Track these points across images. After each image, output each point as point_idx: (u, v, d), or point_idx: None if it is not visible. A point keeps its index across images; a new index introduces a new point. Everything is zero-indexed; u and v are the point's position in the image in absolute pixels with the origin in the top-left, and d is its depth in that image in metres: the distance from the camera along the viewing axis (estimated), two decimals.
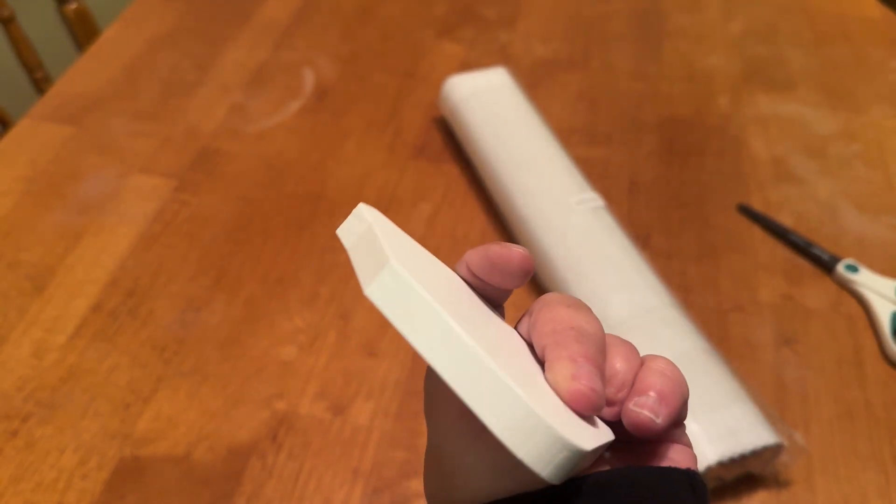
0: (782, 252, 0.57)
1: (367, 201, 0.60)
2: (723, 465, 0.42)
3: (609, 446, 0.21)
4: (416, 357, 0.49)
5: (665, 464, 0.23)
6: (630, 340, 0.47)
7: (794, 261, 0.56)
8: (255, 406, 0.47)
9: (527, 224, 0.54)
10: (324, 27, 0.79)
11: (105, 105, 0.69)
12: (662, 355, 0.24)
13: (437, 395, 0.24)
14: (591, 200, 0.54)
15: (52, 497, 0.43)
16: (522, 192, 0.55)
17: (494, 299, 0.25)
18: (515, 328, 0.25)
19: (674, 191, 0.61)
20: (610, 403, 0.22)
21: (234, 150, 0.65)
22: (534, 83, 0.72)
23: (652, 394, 0.22)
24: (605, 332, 0.23)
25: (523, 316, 0.25)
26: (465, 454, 0.22)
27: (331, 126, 0.67)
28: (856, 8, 0.82)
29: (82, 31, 0.94)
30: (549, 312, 0.23)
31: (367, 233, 0.21)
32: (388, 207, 0.60)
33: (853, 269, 0.54)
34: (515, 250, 0.23)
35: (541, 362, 0.22)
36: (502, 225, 0.58)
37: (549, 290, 0.52)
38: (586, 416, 0.20)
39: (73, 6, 0.93)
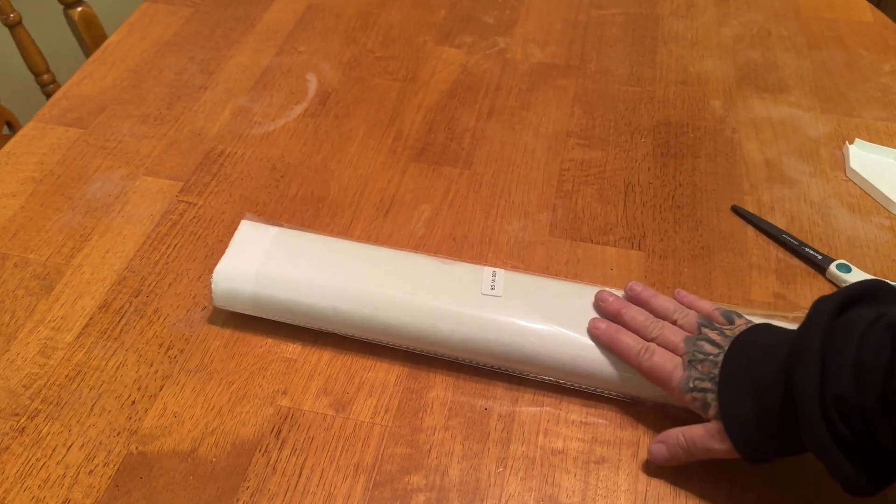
0: (775, 252, 0.58)
1: (369, 202, 0.61)
2: None
3: None
4: (414, 356, 0.50)
5: None
6: None
7: (787, 261, 0.57)
8: (259, 402, 0.48)
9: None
10: (326, 33, 0.80)
11: (112, 108, 0.70)
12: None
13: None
14: (491, 283, 0.50)
15: (59, 492, 0.44)
16: (423, 306, 0.49)
17: None
18: None
19: (668, 192, 0.63)
20: None
21: (239, 153, 0.66)
22: (531, 87, 0.73)
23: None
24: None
25: None
26: None
27: (333, 129, 0.68)
28: (848, 12, 0.83)
29: (89, 36, 0.96)
30: None
31: None
32: (389, 208, 0.61)
33: (845, 268, 0.55)
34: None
35: None
36: (501, 227, 0.59)
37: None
38: None
39: (79, 10, 0.95)
